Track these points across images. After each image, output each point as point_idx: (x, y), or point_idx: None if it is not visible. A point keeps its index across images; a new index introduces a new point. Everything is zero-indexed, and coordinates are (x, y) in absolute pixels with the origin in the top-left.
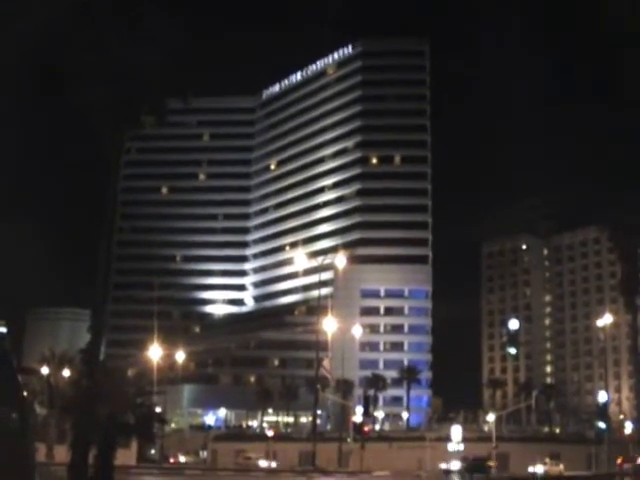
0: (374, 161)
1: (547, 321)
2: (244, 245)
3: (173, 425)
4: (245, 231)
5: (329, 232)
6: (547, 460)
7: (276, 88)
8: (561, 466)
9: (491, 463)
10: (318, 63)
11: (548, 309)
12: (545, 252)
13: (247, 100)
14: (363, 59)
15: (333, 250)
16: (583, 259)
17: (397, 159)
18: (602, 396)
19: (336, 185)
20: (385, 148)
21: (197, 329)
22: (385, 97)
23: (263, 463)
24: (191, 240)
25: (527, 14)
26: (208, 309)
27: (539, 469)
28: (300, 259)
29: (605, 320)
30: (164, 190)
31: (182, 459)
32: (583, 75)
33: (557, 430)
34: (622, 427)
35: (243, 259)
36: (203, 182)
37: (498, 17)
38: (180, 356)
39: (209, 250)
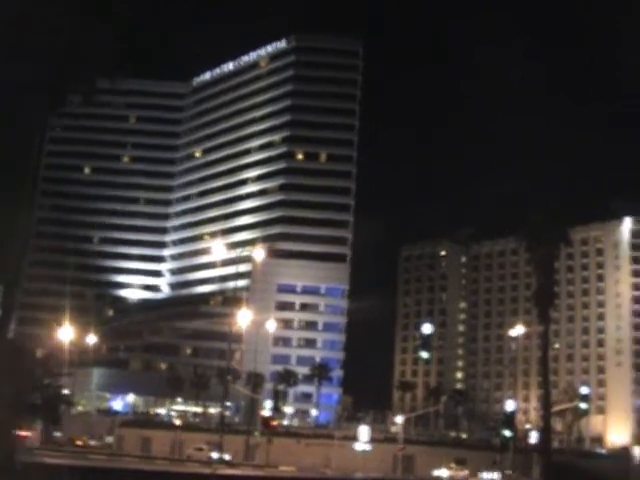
0: (300, 157)
1: (461, 328)
2: (164, 231)
3: (80, 408)
4: (165, 217)
5: (250, 224)
6: (452, 465)
7: (207, 76)
8: (465, 471)
9: None
10: (251, 54)
11: (463, 316)
12: (463, 259)
13: (177, 86)
14: (296, 54)
15: (253, 243)
16: (500, 269)
17: (323, 156)
18: (509, 405)
19: (260, 178)
20: (312, 145)
21: (111, 312)
22: (315, 94)
23: (214, 455)
24: (110, 222)
25: (462, 21)
26: (123, 293)
27: (444, 473)
28: (219, 249)
29: (517, 331)
30: (87, 170)
31: (92, 442)
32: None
33: (464, 436)
34: (527, 436)
35: (162, 245)
36: (127, 165)
37: (435, 20)
38: (91, 339)
39: (128, 234)
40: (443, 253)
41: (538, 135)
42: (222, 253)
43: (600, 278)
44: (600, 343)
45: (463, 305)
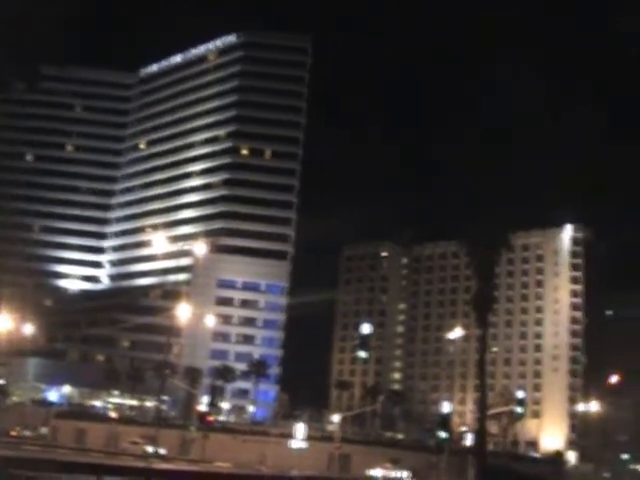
0: (244, 152)
1: (400, 329)
2: (105, 222)
3: (15, 398)
4: (108, 208)
5: (193, 218)
6: (387, 464)
7: (155, 68)
8: (404, 472)
9: None
10: (200, 48)
11: (402, 317)
12: (405, 261)
13: (125, 76)
14: (245, 49)
15: (195, 237)
16: (441, 271)
17: (268, 153)
18: (445, 407)
19: (204, 172)
20: (257, 141)
21: (49, 302)
22: (263, 90)
23: (149, 449)
24: (51, 211)
25: (410, 17)
26: (62, 283)
27: (378, 473)
28: (160, 242)
29: (456, 333)
30: (29, 157)
31: (26, 433)
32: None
33: (400, 436)
34: (463, 438)
35: (103, 236)
36: (70, 153)
37: (385, 19)
38: (29, 328)
39: (69, 223)
40: (385, 254)
41: (484, 140)
42: (164, 246)
43: (539, 284)
44: (537, 348)
45: (403, 306)
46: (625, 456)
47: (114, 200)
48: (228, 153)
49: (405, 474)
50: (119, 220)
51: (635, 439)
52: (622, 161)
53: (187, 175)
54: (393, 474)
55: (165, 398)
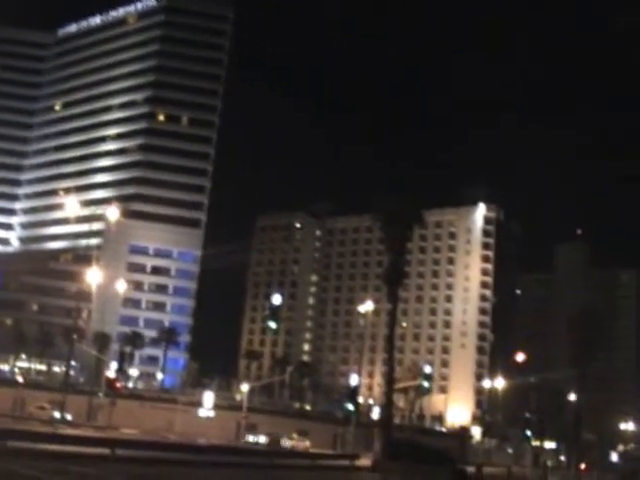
0: (161, 118)
1: (311, 300)
2: (17, 183)
3: None
4: (20, 169)
5: (106, 183)
6: (294, 435)
7: (73, 28)
8: (307, 442)
9: None
10: (120, 10)
11: (313, 289)
12: (318, 233)
13: (41, 35)
14: (166, 14)
15: (108, 202)
16: (354, 245)
17: (184, 120)
18: (354, 379)
19: (119, 136)
20: (174, 107)
21: None
22: (182, 56)
23: (57, 414)
24: None
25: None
26: None
27: (285, 443)
28: (72, 206)
29: (366, 307)
30: None
31: None
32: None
33: (308, 407)
34: (370, 411)
35: (14, 198)
36: None
37: None
38: None
39: None
40: (298, 225)
41: (395, 117)
42: (76, 210)
43: (451, 261)
44: (447, 324)
45: (314, 278)
46: (528, 432)
47: (27, 161)
48: (144, 118)
49: (263, 439)
50: (31, 182)
51: (537, 416)
52: (538, 145)
53: (102, 139)
54: (303, 445)
55: (73, 363)
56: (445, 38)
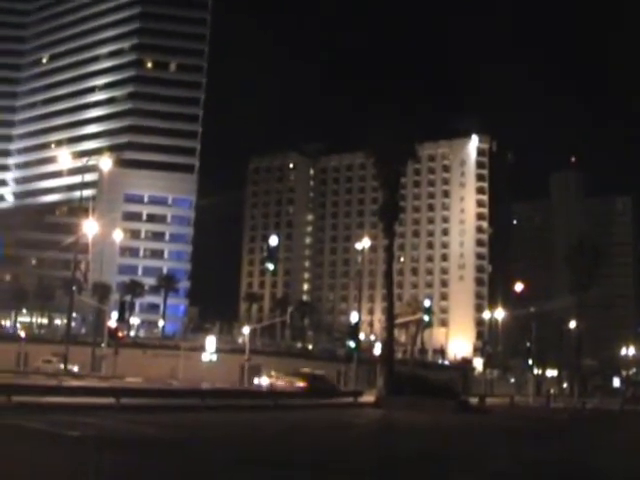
0: (149, 65)
1: (308, 240)
2: (8, 139)
3: None
4: (10, 125)
5: (97, 133)
6: (273, 373)
7: None
8: (287, 379)
9: None
10: None
11: (309, 228)
12: (311, 172)
13: None
14: None
15: (100, 152)
16: (348, 183)
17: (173, 66)
18: (354, 316)
19: (108, 86)
20: (162, 53)
21: None
22: (166, 1)
23: (61, 366)
24: None
25: None
26: None
27: (264, 381)
28: (65, 158)
29: (363, 243)
30: None
31: None
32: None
33: (310, 347)
34: (372, 348)
35: (6, 153)
36: None
37: None
38: None
39: None
40: (291, 166)
41: (387, 50)
42: (68, 162)
43: (446, 194)
44: (444, 257)
45: (310, 218)
46: (530, 362)
47: (16, 117)
48: (132, 66)
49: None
50: (22, 137)
51: (538, 345)
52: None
53: (91, 89)
54: (281, 382)
55: (75, 315)
56: None
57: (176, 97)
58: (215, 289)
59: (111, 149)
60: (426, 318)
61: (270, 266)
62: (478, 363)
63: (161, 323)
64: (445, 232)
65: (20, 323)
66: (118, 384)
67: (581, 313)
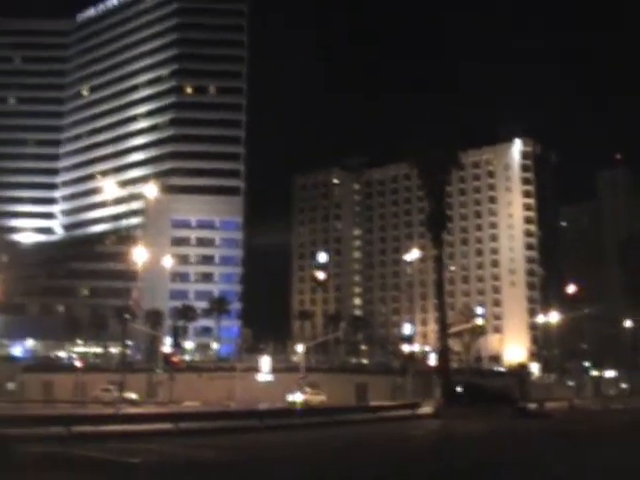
0: (189, 90)
1: (357, 254)
2: (54, 172)
3: None
4: (56, 158)
5: (141, 161)
6: (307, 389)
7: (92, 12)
8: (322, 396)
9: None
10: None
11: (358, 242)
12: (356, 187)
13: (61, 23)
14: None
15: (145, 179)
16: (393, 194)
17: (212, 89)
18: (407, 328)
19: (150, 113)
20: (200, 78)
21: (4, 258)
22: (202, 26)
23: (116, 394)
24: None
25: None
26: (16, 237)
27: (298, 397)
28: (111, 188)
29: (412, 255)
30: None
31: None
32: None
33: (365, 361)
34: (427, 359)
35: (53, 186)
36: (13, 106)
37: None
38: None
39: (18, 176)
40: (336, 181)
41: (427, 64)
42: (114, 191)
43: (492, 200)
44: (494, 264)
45: (358, 232)
46: (586, 364)
47: (61, 149)
48: (172, 92)
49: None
50: (68, 169)
51: (594, 346)
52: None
53: (133, 118)
54: (318, 399)
55: (129, 343)
56: None
57: (217, 120)
58: (267, 309)
59: (156, 176)
60: (479, 321)
61: (320, 275)
62: (534, 368)
63: (215, 346)
64: (494, 238)
65: (75, 353)
66: (175, 409)
67: (636, 312)
